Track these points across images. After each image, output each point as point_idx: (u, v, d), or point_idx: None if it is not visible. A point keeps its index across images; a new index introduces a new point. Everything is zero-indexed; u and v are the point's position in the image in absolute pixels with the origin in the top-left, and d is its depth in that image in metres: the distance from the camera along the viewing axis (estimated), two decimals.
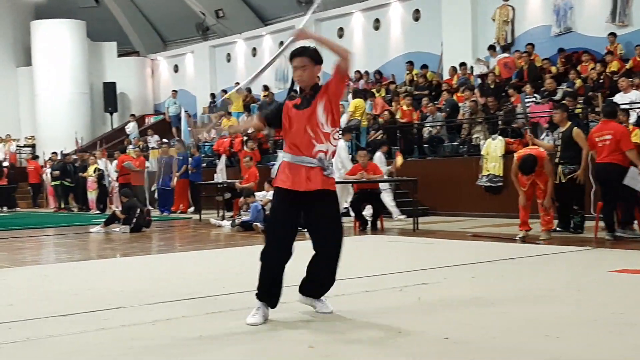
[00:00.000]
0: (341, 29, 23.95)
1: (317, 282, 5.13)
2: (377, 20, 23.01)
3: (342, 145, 14.63)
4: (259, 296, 4.99)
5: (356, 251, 8.38)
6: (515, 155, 10.38)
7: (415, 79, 20.20)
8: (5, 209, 23.48)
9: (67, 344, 4.50)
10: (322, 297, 5.19)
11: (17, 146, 28.96)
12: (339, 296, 5.64)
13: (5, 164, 26.19)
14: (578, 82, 15.82)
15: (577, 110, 13.89)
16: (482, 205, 14.56)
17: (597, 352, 3.98)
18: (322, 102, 4.93)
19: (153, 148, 23.06)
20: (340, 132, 16.62)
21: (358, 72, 22.30)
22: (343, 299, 5.63)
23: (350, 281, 6.33)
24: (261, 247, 4.97)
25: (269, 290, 4.97)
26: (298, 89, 5.17)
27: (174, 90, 28.16)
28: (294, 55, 5.02)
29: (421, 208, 14.30)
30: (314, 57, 4.99)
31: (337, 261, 5.01)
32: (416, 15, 21.92)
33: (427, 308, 5.25)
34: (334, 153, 5.08)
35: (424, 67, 20.19)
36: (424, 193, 14.29)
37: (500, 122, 15.38)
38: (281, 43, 25.86)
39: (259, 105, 22.25)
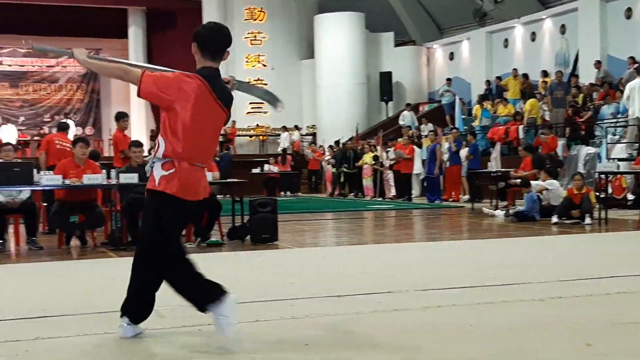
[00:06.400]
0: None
1: None
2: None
3: None
4: None
5: None
6: None
7: None
8: (288, 193, 25.04)
9: (343, 324, 4.68)
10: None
11: (300, 134, 30.66)
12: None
13: (289, 151, 27.90)
14: None
15: None
16: None
17: None
18: None
19: (425, 136, 23.22)
20: None
21: None
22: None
23: None
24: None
25: None
26: None
27: (448, 79, 28.12)
28: None
29: None
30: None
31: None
32: None
33: None
34: None
35: None
36: None
37: None
38: (563, 26, 24.61)
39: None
